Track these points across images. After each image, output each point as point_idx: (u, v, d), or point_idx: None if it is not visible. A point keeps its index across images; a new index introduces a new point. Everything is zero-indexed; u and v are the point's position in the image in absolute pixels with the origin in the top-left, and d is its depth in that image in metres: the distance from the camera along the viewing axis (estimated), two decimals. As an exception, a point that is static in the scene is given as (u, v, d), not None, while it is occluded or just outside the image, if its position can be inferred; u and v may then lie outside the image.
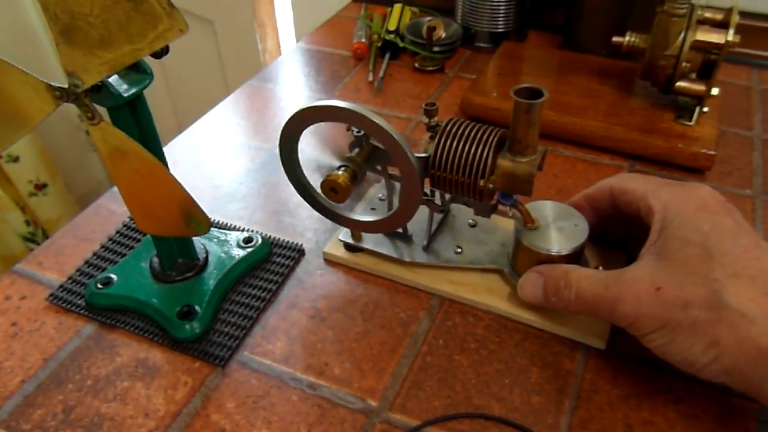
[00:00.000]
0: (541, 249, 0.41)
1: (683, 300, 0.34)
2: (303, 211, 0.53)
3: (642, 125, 0.59)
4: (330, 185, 0.41)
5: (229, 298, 0.45)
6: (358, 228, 0.47)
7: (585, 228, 0.42)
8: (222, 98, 0.69)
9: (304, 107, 0.41)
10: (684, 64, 0.57)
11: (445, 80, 0.72)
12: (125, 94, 0.35)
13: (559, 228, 0.42)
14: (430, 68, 0.73)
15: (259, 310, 0.44)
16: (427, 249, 0.47)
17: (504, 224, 0.49)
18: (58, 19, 0.30)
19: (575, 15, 0.74)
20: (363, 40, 0.76)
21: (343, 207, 0.46)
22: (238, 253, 0.47)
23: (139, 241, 0.49)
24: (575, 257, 0.42)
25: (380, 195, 0.51)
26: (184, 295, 0.43)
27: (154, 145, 0.38)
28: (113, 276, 0.45)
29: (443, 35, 0.73)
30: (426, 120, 0.42)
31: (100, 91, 0.34)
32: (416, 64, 0.73)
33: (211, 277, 0.45)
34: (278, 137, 0.43)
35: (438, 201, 0.46)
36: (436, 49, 0.73)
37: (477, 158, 0.39)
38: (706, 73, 0.58)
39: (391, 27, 0.76)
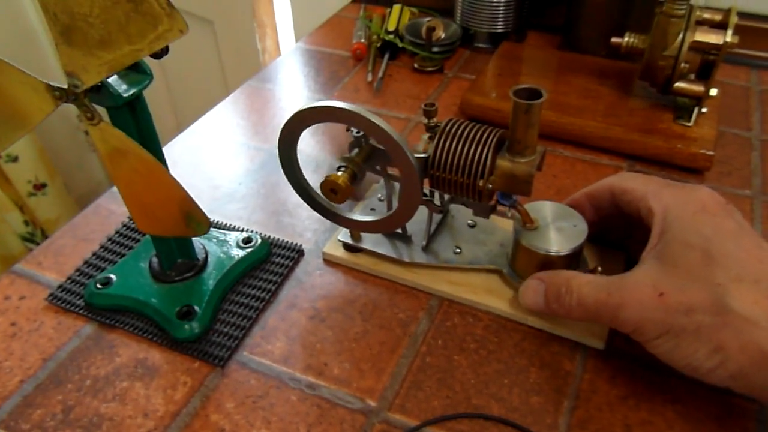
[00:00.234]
0: (540, 249, 0.41)
1: (686, 305, 0.34)
2: (302, 211, 0.53)
3: (641, 126, 0.59)
4: (329, 186, 0.41)
5: (229, 298, 0.45)
6: (357, 228, 0.47)
7: (584, 228, 0.42)
8: (221, 98, 0.69)
9: (304, 108, 0.41)
10: (683, 64, 0.57)
11: (445, 81, 0.72)
12: (125, 95, 0.35)
13: (558, 228, 0.42)
14: (430, 69, 0.73)
15: (259, 311, 0.44)
16: (426, 249, 0.47)
17: (503, 225, 0.49)
18: (57, 19, 0.30)
19: (574, 16, 0.74)
20: (362, 40, 0.75)
21: (343, 207, 0.46)
22: (238, 253, 0.47)
23: (138, 241, 0.49)
24: (574, 257, 0.42)
25: (379, 195, 0.51)
26: (183, 296, 0.44)
27: (153, 146, 0.38)
28: (112, 276, 0.45)
29: (442, 36, 0.73)
30: (425, 120, 0.42)
31: (100, 91, 0.34)
32: (415, 65, 0.73)
33: (211, 278, 0.45)
34: (277, 137, 0.43)
35: (437, 201, 0.46)
36: (435, 49, 0.73)
37: (476, 159, 0.39)
38: (704, 73, 0.58)
39: (391, 27, 0.76)
